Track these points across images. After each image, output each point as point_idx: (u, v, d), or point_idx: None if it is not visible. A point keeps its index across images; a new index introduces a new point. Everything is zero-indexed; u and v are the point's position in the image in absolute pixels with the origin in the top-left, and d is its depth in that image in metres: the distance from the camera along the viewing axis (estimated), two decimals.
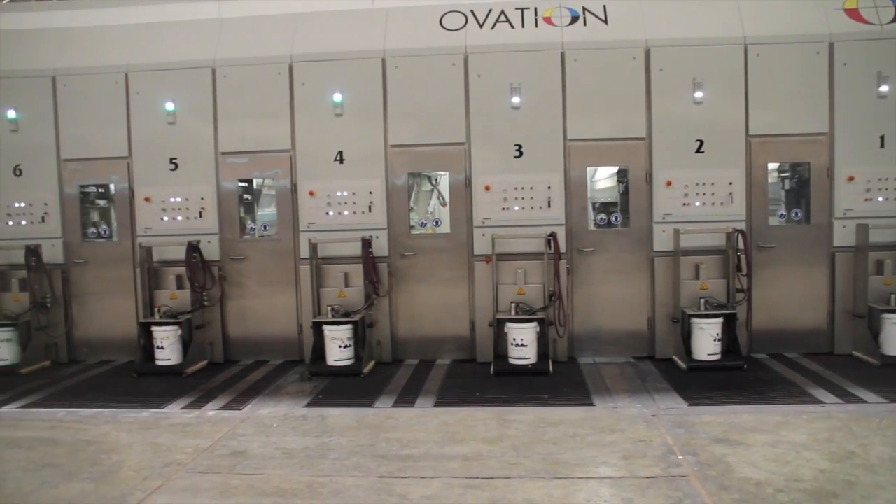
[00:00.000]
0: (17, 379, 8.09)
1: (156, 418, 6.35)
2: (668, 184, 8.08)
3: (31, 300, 8.63)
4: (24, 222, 8.90)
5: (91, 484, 4.83)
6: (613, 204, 8.51)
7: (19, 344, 8.52)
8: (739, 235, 7.77)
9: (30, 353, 8.56)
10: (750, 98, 8.01)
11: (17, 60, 8.87)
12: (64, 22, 9.03)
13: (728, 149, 8.04)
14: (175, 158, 8.62)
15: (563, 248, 8.01)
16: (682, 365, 7.68)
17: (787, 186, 8.44)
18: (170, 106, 8.56)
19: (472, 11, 8.32)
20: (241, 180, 8.70)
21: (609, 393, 6.85)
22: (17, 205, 8.91)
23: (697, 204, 8.07)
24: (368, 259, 8.12)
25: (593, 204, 8.51)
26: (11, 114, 8.82)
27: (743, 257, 7.75)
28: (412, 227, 8.49)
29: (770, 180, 8.26)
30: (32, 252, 8.58)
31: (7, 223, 8.90)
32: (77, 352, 9.04)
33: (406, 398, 6.89)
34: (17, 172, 8.88)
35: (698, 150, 8.04)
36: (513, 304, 7.94)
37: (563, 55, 8.12)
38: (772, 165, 8.26)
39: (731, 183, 8.03)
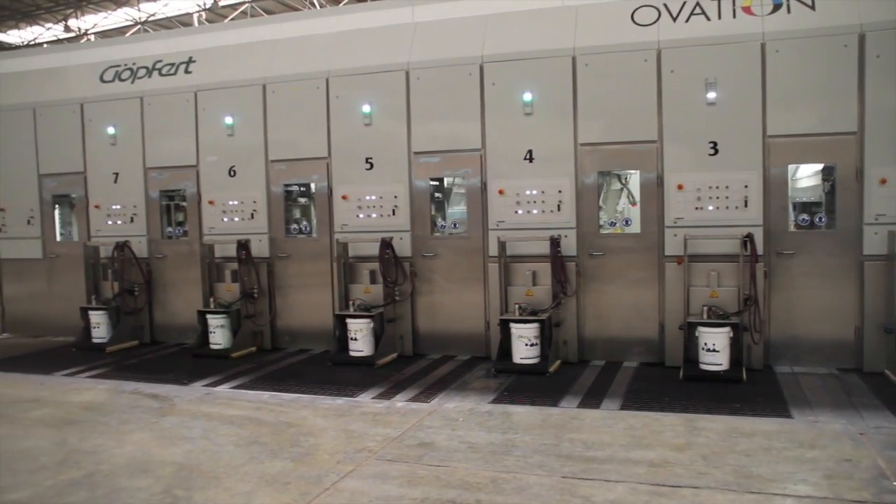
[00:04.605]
0: (229, 362, 8.86)
1: (349, 406, 6.68)
2: (883, 182, 7.37)
3: (241, 290, 9.39)
4: (236, 219, 9.68)
5: (291, 463, 5.17)
6: (817, 204, 7.93)
7: (231, 330, 9.28)
8: None
9: (239, 339, 9.30)
10: None
11: (232, 72, 9.69)
12: (272, 34, 9.76)
13: None
14: (370, 158, 9.01)
15: (760, 251, 7.57)
16: None
17: None
18: (366, 108, 8.96)
19: (664, 5, 8.03)
20: (432, 179, 8.95)
21: (809, 405, 6.40)
22: (230, 203, 9.72)
23: None
24: (557, 258, 8.10)
25: (794, 204, 7.95)
26: (228, 120, 9.63)
27: None
28: (601, 226, 8.37)
29: None
30: (242, 246, 9.32)
31: (222, 219, 9.74)
32: (279, 340, 9.71)
33: (591, 399, 6.81)
34: (232, 173, 9.68)
35: None
36: (704, 308, 7.61)
37: (763, 46, 7.65)
38: None
39: None
